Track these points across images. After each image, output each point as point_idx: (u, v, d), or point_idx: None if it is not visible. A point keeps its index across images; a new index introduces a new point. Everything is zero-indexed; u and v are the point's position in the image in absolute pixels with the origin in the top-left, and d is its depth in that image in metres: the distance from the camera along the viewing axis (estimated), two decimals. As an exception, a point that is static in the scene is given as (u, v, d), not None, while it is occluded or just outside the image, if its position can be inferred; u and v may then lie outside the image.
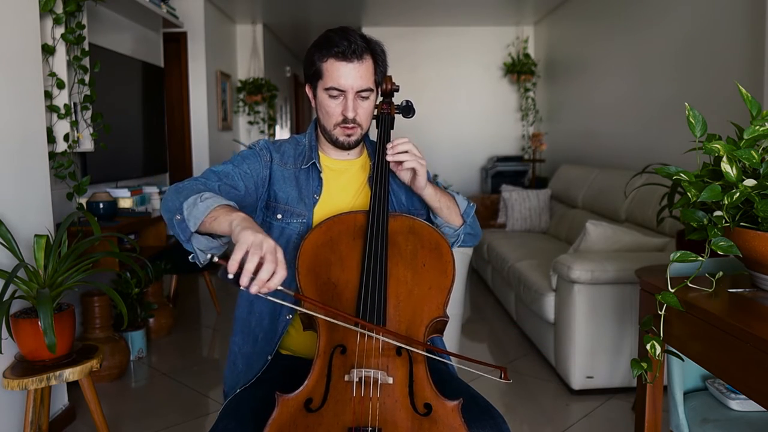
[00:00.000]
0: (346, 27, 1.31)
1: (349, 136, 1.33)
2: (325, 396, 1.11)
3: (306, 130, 1.46)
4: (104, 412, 2.12)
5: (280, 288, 0.97)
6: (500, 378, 1.09)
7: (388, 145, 1.29)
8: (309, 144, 1.40)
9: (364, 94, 1.30)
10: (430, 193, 1.33)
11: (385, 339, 1.11)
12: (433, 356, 1.16)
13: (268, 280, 0.95)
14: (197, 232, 1.11)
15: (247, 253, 0.95)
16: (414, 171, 1.29)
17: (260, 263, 0.95)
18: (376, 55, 1.32)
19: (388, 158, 1.28)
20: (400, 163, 1.29)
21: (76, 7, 2.74)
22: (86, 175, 3.06)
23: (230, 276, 0.94)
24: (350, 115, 1.29)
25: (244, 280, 0.94)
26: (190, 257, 1.15)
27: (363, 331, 1.12)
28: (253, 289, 0.95)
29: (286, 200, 1.35)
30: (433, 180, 1.51)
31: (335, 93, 1.29)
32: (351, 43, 1.26)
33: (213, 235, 1.13)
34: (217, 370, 3.08)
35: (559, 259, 2.69)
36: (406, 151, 1.27)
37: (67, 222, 2.12)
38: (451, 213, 1.37)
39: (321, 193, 1.37)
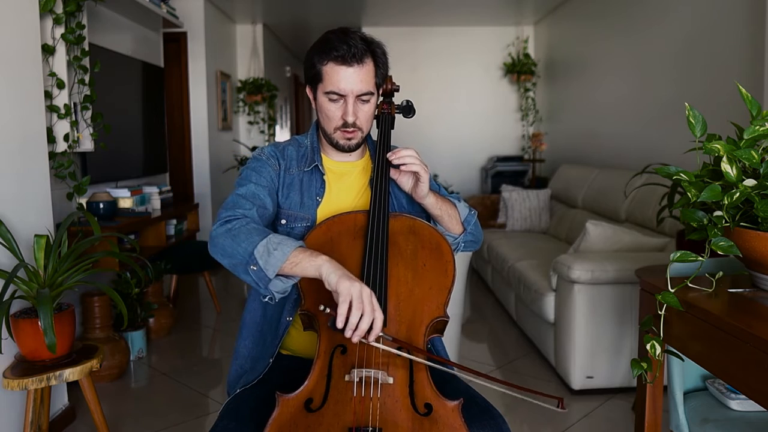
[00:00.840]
0: (347, 28, 1.30)
1: (349, 139, 1.32)
2: (325, 396, 1.11)
3: (307, 130, 1.46)
4: (104, 412, 2.12)
5: (381, 334, 1.06)
6: (558, 408, 1.09)
7: (390, 154, 1.29)
8: (311, 146, 1.40)
9: (364, 97, 1.29)
10: (431, 202, 1.32)
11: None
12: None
13: (367, 331, 1.04)
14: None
15: (350, 305, 1.03)
16: (417, 177, 1.29)
17: (361, 316, 1.03)
18: (377, 57, 1.30)
19: (390, 157, 1.28)
20: (400, 169, 1.29)
21: (76, 7, 2.74)
22: (86, 175, 3.06)
23: (339, 326, 1.03)
24: (350, 119, 1.29)
25: (348, 333, 1.03)
26: (266, 298, 1.18)
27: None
28: (355, 339, 1.04)
29: (290, 206, 1.35)
30: (433, 179, 1.51)
31: (335, 97, 1.28)
32: (351, 46, 1.24)
33: (286, 275, 1.14)
34: (217, 370, 3.08)
35: (559, 259, 2.69)
36: (410, 154, 1.28)
37: (67, 222, 2.12)
38: (452, 221, 1.37)
39: (324, 195, 1.37)
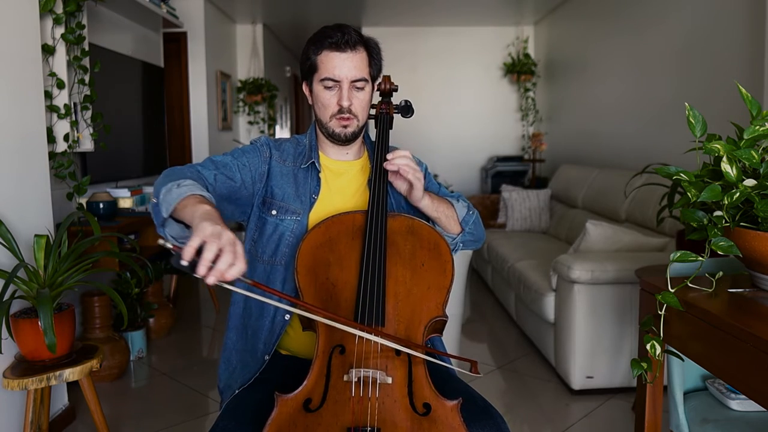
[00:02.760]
0: (341, 23, 1.32)
1: (345, 126, 1.33)
2: (324, 396, 1.11)
3: (306, 130, 1.47)
4: (104, 412, 2.12)
5: (240, 279, 0.94)
6: (470, 371, 1.09)
7: (388, 155, 1.29)
8: (309, 144, 1.40)
9: (359, 84, 1.30)
10: (427, 204, 1.33)
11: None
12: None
13: (226, 271, 0.92)
14: (175, 219, 1.10)
15: (204, 242, 0.92)
16: (410, 184, 1.29)
17: (218, 255, 0.92)
18: (371, 47, 1.33)
19: (386, 165, 1.28)
20: (396, 172, 1.29)
21: (76, 7, 2.74)
22: (86, 175, 3.06)
23: (184, 263, 0.90)
24: (345, 103, 1.29)
25: (201, 269, 0.90)
26: (160, 241, 1.12)
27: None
28: (210, 280, 0.91)
29: (282, 197, 1.35)
30: (433, 179, 1.51)
31: (330, 84, 1.29)
32: (344, 34, 1.27)
33: (186, 224, 1.10)
34: (217, 370, 3.07)
35: (559, 259, 2.69)
36: (405, 163, 1.27)
37: (67, 222, 2.12)
38: (449, 221, 1.37)
39: (319, 193, 1.36)
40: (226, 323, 1.45)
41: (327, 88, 1.30)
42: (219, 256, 0.91)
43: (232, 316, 1.42)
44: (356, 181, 1.40)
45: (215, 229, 0.94)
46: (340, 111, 1.31)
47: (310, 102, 1.37)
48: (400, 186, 1.32)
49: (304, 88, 1.38)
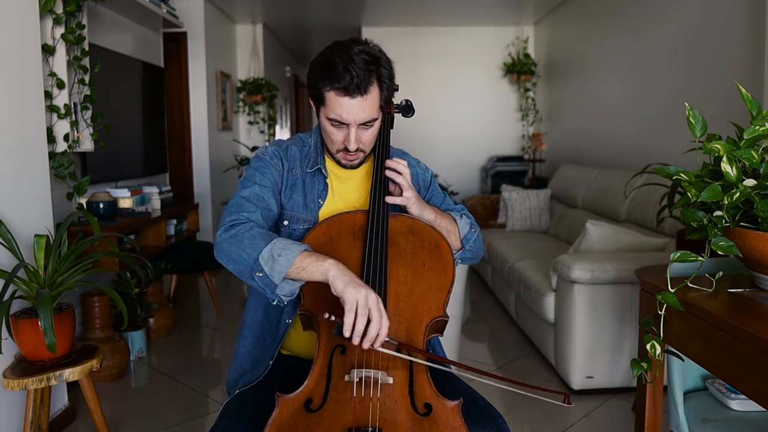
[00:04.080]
0: (350, 47, 1.23)
1: (351, 160, 1.33)
2: (325, 396, 1.11)
3: (309, 129, 1.45)
4: (104, 412, 2.12)
5: (387, 339, 1.08)
6: (564, 403, 1.08)
7: (388, 161, 1.29)
8: (314, 146, 1.39)
9: (367, 123, 1.27)
10: (429, 219, 1.31)
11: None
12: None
13: (377, 335, 1.05)
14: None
15: (356, 312, 1.04)
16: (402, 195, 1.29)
17: (369, 321, 1.05)
18: (382, 81, 1.25)
19: (387, 163, 1.28)
20: (396, 185, 1.30)
21: (76, 7, 2.74)
22: (86, 175, 3.06)
23: (346, 334, 1.05)
24: (352, 147, 1.28)
25: (356, 340, 1.05)
26: (274, 302, 1.18)
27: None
28: (365, 345, 1.05)
29: (292, 207, 1.35)
30: (437, 185, 1.50)
31: (337, 124, 1.26)
32: (354, 76, 1.19)
33: (293, 279, 1.14)
34: (217, 369, 3.08)
35: (559, 259, 2.69)
36: (401, 173, 1.28)
37: (67, 222, 2.12)
38: (450, 237, 1.34)
39: (326, 197, 1.36)
40: (239, 330, 1.44)
41: (334, 126, 1.27)
42: (369, 322, 1.05)
43: (249, 324, 1.41)
44: (362, 186, 1.40)
45: (359, 294, 1.05)
46: (347, 149, 1.29)
47: (316, 117, 1.35)
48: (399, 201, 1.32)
49: (311, 102, 1.33)
